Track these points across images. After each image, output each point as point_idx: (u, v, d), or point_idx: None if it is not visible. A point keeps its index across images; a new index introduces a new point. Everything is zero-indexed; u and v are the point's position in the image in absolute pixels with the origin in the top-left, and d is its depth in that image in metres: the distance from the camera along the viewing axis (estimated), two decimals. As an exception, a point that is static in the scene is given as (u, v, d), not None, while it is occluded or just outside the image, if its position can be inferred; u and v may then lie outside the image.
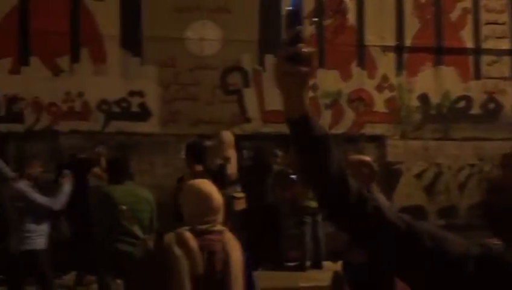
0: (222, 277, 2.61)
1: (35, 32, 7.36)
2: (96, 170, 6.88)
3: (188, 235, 2.59)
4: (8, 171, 6.73)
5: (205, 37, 7.88)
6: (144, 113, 7.66)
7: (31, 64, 7.35)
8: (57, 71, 7.43)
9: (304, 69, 1.17)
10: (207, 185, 2.80)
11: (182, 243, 2.57)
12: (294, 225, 7.76)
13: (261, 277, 4.48)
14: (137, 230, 4.80)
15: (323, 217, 7.66)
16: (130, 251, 4.41)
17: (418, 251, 1.18)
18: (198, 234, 2.62)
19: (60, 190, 5.49)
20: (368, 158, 4.03)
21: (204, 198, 2.70)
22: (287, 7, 1.21)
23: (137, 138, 7.60)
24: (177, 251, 2.54)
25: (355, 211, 1.20)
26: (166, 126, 7.73)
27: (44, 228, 5.42)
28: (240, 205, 7.11)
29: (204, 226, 2.65)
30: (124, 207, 4.64)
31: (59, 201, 5.45)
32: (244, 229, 6.07)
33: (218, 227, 2.70)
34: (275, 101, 7.98)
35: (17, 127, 7.29)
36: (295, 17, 1.21)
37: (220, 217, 2.73)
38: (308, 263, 7.56)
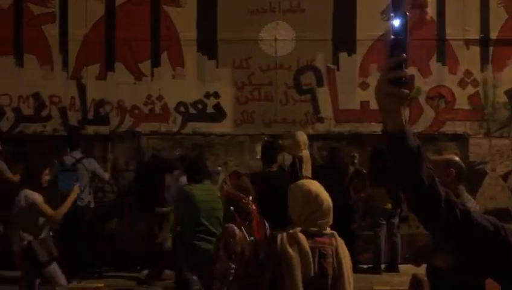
0: (333, 281, 2.56)
1: (120, 41, 7.80)
2: (175, 172, 7.17)
3: (301, 236, 2.55)
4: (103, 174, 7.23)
5: (279, 37, 7.86)
6: (218, 114, 7.83)
7: (116, 70, 7.80)
8: (139, 76, 7.81)
9: (404, 91, 1.26)
10: (316, 186, 2.74)
11: (296, 243, 2.53)
12: (368, 227, 7.54)
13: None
14: (215, 228, 4.96)
15: (401, 220, 7.40)
16: (208, 249, 4.62)
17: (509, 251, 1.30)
18: (309, 236, 2.58)
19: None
20: (456, 158, 3.77)
21: (314, 199, 2.64)
22: (391, 35, 1.28)
23: (213, 139, 7.80)
24: (291, 251, 2.50)
25: (446, 216, 1.31)
26: (240, 126, 7.84)
27: None
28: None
29: (316, 228, 2.61)
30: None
31: None
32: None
33: (329, 230, 2.66)
34: (348, 100, 7.80)
35: (103, 129, 7.78)
36: (399, 44, 1.28)
37: (331, 219, 2.67)
38: (382, 266, 7.33)
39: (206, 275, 4.65)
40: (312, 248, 2.54)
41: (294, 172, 6.60)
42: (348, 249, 2.73)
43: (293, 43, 7.86)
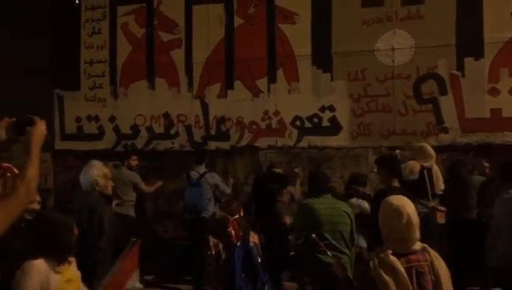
0: None
1: (239, 60, 7.86)
2: (290, 188, 6.97)
3: (393, 259, 2.37)
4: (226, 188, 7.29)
5: (396, 46, 7.28)
6: (334, 127, 7.47)
7: (235, 88, 7.86)
8: (256, 93, 7.78)
9: None
10: (404, 201, 2.56)
11: (388, 267, 2.36)
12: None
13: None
14: (338, 242, 4.70)
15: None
16: (330, 262, 4.39)
17: None
18: (402, 255, 2.41)
19: None
20: None
21: (401, 215, 2.46)
22: None
23: (329, 152, 7.45)
24: (385, 277, 2.34)
25: None
26: (357, 139, 7.38)
27: None
28: (441, 218, 6.43)
29: (406, 246, 2.44)
30: (314, 235, 4.57)
31: None
32: (445, 245, 5.37)
33: (418, 244, 2.49)
34: (476, 108, 6.97)
35: (224, 145, 7.85)
36: None
37: (418, 233, 2.51)
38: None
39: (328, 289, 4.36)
40: (407, 268, 2.35)
41: (422, 185, 6.03)
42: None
43: (412, 51, 7.24)
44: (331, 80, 7.53)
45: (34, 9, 8.35)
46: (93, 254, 3.87)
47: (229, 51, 7.94)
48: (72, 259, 2.92)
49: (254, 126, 7.79)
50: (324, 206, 4.74)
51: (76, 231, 2.97)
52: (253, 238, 4.33)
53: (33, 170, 2.08)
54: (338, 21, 7.54)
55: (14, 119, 2.35)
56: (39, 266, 2.70)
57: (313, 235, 4.59)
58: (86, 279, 3.09)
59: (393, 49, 7.32)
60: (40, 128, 2.22)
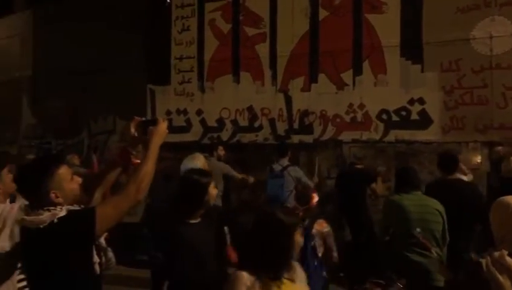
0: None
1: (323, 52, 7.58)
2: (373, 186, 6.63)
3: (509, 259, 2.19)
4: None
5: (495, 34, 6.60)
6: (424, 121, 6.93)
7: (319, 81, 7.57)
8: (341, 85, 7.43)
9: None
10: None
11: (503, 268, 2.19)
12: None
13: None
14: (428, 241, 4.37)
15: None
16: (419, 261, 4.24)
17: None
18: None
19: None
20: None
21: None
22: None
23: (417, 146, 6.93)
24: (500, 278, 2.17)
25: None
26: (449, 133, 6.78)
27: None
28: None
29: None
30: (419, 230, 4.30)
31: None
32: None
33: None
34: None
35: (307, 138, 7.60)
36: None
37: None
38: None
39: (417, 288, 4.07)
40: None
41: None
42: None
43: (512, 38, 6.49)
44: (422, 71, 6.99)
45: (130, 8, 8.67)
46: None
47: (313, 44, 7.68)
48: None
49: (338, 119, 7.45)
50: (413, 203, 4.40)
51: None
52: (321, 226, 4.08)
53: (147, 168, 2.14)
54: (429, 9, 6.99)
55: (143, 119, 2.41)
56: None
57: (418, 230, 4.23)
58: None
59: (491, 37, 6.64)
60: (162, 128, 2.27)
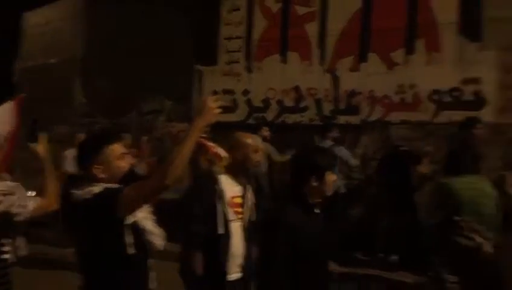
0: None
1: (375, 31, 7.37)
2: (419, 167, 6.34)
3: None
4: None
5: (560, 10, 6.17)
6: (478, 102, 6.56)
7: (368, 60, 7.37)
8: (391, 65, 7.20)
9: None
10: None
11: None
12: None
13: None
14: (478, 225, 4.14)
15: None
16: (471, 246, 3.96)
17: None
18: None
19: None
20: None
21: None
22: None
23: (470, 129, 6.52)
24: None
25: None
26: (504, 115, 6.38)
27: None
28: None
29: None
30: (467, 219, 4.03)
31: None
32: None
33: None
34: None
35: (354, 119, 7.40)
36: None
37: None
38: None
39: (467, 274, 3.89)
40: None
41: None
42: None
43: None
44: (480, 49, 6.64)
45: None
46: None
47: (365, 22, 7.47)
48: None
49: (386, 100, 7.20)
50: (464, 186, 4.09)
51: None
52: None
53: (180, 153, 2.01)
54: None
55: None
56: None
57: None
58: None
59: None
60: (207, 110, 2.14)
